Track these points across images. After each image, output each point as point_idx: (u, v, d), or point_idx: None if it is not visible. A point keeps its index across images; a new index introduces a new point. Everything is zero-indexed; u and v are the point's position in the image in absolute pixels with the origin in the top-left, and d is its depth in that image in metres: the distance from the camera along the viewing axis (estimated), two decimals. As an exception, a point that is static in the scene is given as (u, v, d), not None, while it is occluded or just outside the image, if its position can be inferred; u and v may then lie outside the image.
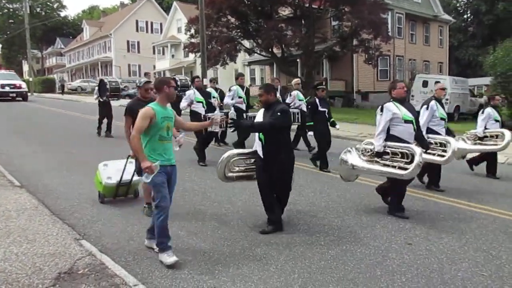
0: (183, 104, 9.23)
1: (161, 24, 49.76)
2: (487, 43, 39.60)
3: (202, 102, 9.11)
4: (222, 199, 6.40)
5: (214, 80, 12.56)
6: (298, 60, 25.98)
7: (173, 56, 43.63)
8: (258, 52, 25.98)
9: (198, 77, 10.27)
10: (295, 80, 11.34)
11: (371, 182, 7.10)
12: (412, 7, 29.75)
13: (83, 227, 5.16)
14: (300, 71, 26.08)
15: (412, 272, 4.10)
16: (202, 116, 8.78)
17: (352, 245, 4.73)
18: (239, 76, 10.88)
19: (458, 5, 44.42)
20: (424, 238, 5.01)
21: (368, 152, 5.99)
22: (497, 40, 32.34)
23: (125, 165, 5.92)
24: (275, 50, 24.54)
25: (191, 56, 31.96)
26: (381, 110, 5.74)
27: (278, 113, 4.94)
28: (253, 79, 35.30)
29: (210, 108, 9.24)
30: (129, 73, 49.14)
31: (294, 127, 9.11)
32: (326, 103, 8.66)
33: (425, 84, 21.40)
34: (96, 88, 13.44)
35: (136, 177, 5.82)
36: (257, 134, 5.15)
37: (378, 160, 5.78)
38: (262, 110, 5.29)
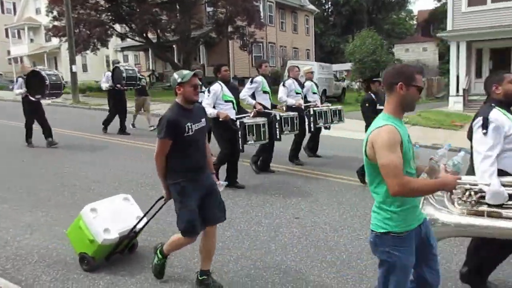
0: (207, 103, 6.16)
1: (14, 4, 44.08)
2: (346, 32, 43.85)
3: (232, 102, 6.35)
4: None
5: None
6: (174, 46, 25.52)
7: (32, 40, 39.13)
8: (132, 37, 24.81)
9: (224, 65, 6.66)
10: (307, 68, 8.86)
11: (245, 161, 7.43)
12: (281, -4, 31.36)
13: None
14: (176, 57, 25.68)
15: (302, 243, 4.46)
16: (236, 122, 6.38)
17: (246, 225, 4.94)
18: (262, 64, 7.49)
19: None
20: (309, 211, 5.47)
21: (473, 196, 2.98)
22: (354, 30, 36.04)
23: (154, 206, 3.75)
24: (150, 35, 23.71)
25: (55, 40, 29.04)
26: (484, 125, 3.01)
27: None
28: (127, 66, 33.62)
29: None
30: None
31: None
32: (382, 100, 6.06)
33: (296, 69, 22.93)
34: (109, 74, 11.12)
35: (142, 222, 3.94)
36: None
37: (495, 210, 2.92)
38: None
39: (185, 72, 3.36)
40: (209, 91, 6.24)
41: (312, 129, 8.09)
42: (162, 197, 3.49)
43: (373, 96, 6.59)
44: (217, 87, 6.26)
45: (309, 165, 8.04)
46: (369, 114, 6.32)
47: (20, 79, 9.12)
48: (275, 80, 27.94)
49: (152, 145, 8.75)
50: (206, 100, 6.14)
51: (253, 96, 7.16)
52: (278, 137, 7.03)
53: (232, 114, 6.29)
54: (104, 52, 32.56)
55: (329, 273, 3.82)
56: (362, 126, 6.46)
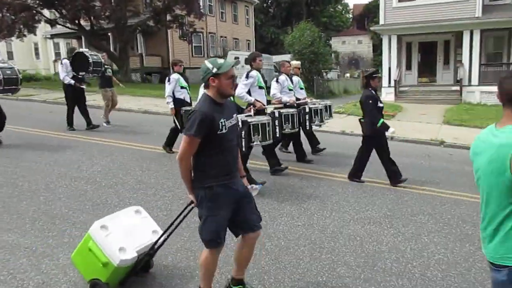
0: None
1: None
2: (285, 24, 44.49)
3: (264, 89, 6.80)
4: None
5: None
6: (109, 34, 24.47)
7: None
8: (63, 24, 23.44)
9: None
10: (296, 63, 8.61)
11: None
12: (220, -14, 31.05)
13: None
14: (112, 46, 24.68)
15: (242, 232, 4.49)
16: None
17: (187, 217, 4.88)
18: (256, 58, 6.77)
19: (260, -13, 48.19)
20: (249, 201, 5.51)
21: None
22: (293, 22, 36.62)
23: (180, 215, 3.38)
24: (82, 22, 22.53)
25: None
26: None
27: None
28: (58, 54, 31.82)
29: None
30: None
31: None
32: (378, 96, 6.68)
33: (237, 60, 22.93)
34: (67, 62, 9.58)
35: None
36: None
37: None
38: None
39: (220, 61, 2.92)
40: (246, 77, 6.53)
41: (308, 127, 7.66)
42: (191, 203, 3.09)
43: (374, 92, 6.46)
44: (256, 74, 6.57)
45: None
46: (374, 111, 6.33)
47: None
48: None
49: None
50: (242, 86, 6.49)
51: (248, 92, 6.69)
52: (278, 135, 6.72)
53: (265, 102, 6.72)
54: (32, 39, 30.55)
55: (268, 260, 3.89)
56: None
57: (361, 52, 49.58)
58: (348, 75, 39.83)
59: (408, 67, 22.03)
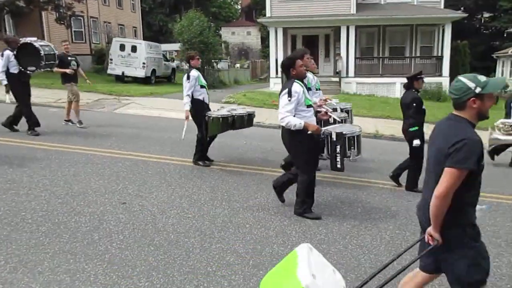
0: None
1: None
2: (173, 12, 43.44)
3: (312, 107, 5.01)
4: None
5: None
6: (-31, 13, 21.33)
7: None
8: None
9: (301, 56, 5.14)
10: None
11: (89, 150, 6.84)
12: (102, -32, 29.02)
13: None
14: (-26, 28, 21.56)
15: (129, 229, 4.30)
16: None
17: (64, 217, 4.51)
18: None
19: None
20: (136, 195, 5.29)
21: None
22: (182, 10, 35.87)
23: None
24: None
25: None
26: None
27: None
28: None
29: None
30: None
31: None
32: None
33: (122, 47, 21.73)
34: (9, 54, 7.88)
35: None
36: None
37: None
38: None
39: (483, 78, 2.40)
40: (290, 95, 4.52)
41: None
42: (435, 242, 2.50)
43: (418, 94, 6.03)
44: (299, 88, 4.58)
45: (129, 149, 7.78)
46: (416, 115, 5.87)
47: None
48: (98, 59, 26.15)
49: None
50: (285, 107, 4.55)
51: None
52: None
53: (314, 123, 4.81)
54: None
55: (157, 255, 3.78)
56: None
57: (250, 43, 50.71)
58: (238, 65, 40.48)
59: (293, 58, 23.13)
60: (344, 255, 4.02)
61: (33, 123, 8.25)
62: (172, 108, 13.14)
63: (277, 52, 20.98)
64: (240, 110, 7.17)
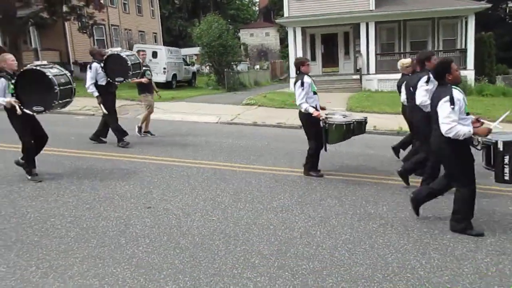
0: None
1: None
2: (192, 16, 43.87)
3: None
4: None
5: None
6: (-4, 26, 22.07)
7: None
8: None
9: (307, 60, 6.58)
10: (406, 61, 6.85)
11: (101, 155, 6.97)
12: (121, -24, 29.59)
13: None
14: (1, 40, 22.32)
15: (155, 233, 4.35)
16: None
17: (93, 221, 4.60)
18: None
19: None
20: (161, 199, 5.36)
21: None
22: (200, 14, 36.20)
23: None
24: (-38, 13, 20.01)
25: None
26: None
27: None
28: None
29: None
30: None
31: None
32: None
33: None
34: (97, 66, 7.98)
35: None
36: None
37: None
38: None
39: None
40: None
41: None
42: None
43: None
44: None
45: (151, 151, 7.88)
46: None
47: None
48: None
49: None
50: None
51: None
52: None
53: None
54: None
55: (182, 258, 3.81)
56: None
57: (269, 44, 50.71)
58: (258, 67, 40.54)
59: (313, 58, 23.03)
60: (371, 255, 3.96)
61: (121, 134, 8.22)
62: (194, 111, 13.28)
63: (296, 52, 20.90)
64: (356, 116, 6.76)
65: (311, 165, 6.53)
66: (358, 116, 6.83)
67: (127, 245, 4.06)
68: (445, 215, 4.94)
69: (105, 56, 8.04)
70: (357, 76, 20.48)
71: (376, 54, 20.46)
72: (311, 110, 6.13)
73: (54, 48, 25.02)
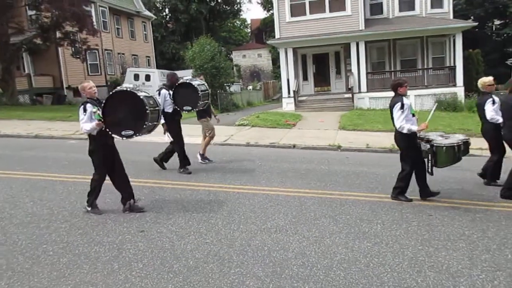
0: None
1: None
2: (185, 39, 44.36)
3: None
4: None
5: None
6: (-11, 53, 22.16)
7: None
8: None
9: (405, 82, 6.34)
10: (487, 80, 7.35)
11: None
12: (114, 2, 29.98)
13: None
14: (-6, 66, 22.38)
15: (148, 257, 4.31)
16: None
17: (85, 247, 4.55)
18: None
19: (157, 2, 47.48)
20: (154, 222, 5.32)
21: None
22: (193, 37, 36.59)
23: None
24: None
25: None
26: None
27: None
28: None
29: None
30: None
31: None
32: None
33: (136, 77, 22.25)
34: (165, 93, 7.77)
35: None
36: None
37: None
38: None
39: None
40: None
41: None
42: None
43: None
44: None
45: (148, 177, 7.85)
46: None
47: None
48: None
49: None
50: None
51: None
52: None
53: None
54: None
55: (176, 282, 3.77)
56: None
57: (262, 65, 51.23)
58: (250, 87, 40.85)
59: (305, 77, 23.29)
60: (366, 274, 3.94)
61: (186, 162, 8.11)
62: (187, 133, 13.24)
63: (288, 72, 21.14)
64: (459, 136, 6.61)
65: (401, 190, 6.30)
66: (460, 136, 6.60)
67: (120, 270, 4.01)
68: (439, 232, 4.94)
69: (177, 84, 7.81)
70: (349, 95, 20.68)
71: (367, 73, 20.72)
72: (415, 128, 6.00)
73: (47, 73, 25.12)
